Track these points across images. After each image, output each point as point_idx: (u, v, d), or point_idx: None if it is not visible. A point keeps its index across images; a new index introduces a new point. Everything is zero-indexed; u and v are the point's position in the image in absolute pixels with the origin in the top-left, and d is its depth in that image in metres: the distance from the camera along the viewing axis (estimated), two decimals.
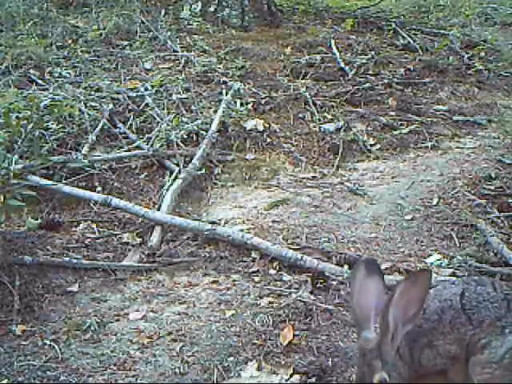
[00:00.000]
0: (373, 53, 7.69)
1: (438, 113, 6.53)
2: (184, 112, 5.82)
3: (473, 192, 4.83)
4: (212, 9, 8.68)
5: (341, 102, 6.46)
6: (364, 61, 7.45)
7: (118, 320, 3.43)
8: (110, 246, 4.15)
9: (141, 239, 4.24)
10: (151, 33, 7.69)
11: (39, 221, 4.28)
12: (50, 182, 4.57)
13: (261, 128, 5.75)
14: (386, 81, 7.01)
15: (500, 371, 2.37)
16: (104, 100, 5.81)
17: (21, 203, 3.82)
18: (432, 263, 3.94)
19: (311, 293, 3.59)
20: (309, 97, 6.36)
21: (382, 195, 4.94)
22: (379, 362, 2.38)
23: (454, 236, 4.28)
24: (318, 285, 3.67)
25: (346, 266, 3.81)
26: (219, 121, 5.60)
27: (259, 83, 6.68)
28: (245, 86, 6.48)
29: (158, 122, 5.52)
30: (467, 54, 8.12)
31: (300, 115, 6.17)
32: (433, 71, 7.52)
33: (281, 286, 3.69)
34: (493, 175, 5.10)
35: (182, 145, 5.28)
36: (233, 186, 5.11)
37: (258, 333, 3.27)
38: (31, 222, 4.22)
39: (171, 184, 4.79)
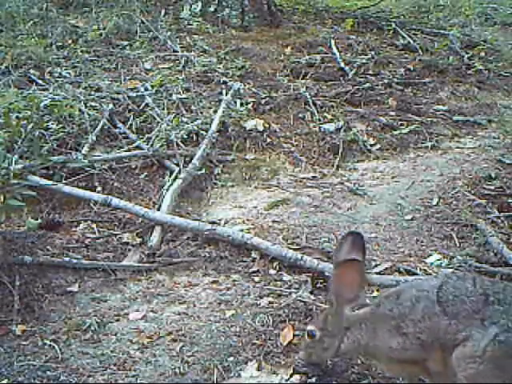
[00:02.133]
0: (373, 53, 7.70)
1: (438, 113, 6.53)
2: (184, 112, 5.82)
3: (473, 192, 4.83)
4: (212, 9, 8.68)
5: (341, 102, 6.46)
6: (364, 61, 7.46)
7: (118, 320, 3.43)
8: (110, 246, 4.15)
9: (141, 239, 4.24)
10: (151, 33, 7.69)
11: (39, 221, 4.28)
12: (50, 182, 4.57)
13: (261, 128, 5.75)
14: (386, 81, 7.01)
15: (484, 365, 2.39)
16: (104, 100, 5.81)
17: (21, 203, 3.82)
18: (432, 263, 3.94)
19: (311, 293, 3.59)
20: (309, 97, 6.37)
21: (382, 195, 4.93)
22: (320, 323, 2.78)
23: (454, 236, 4.28)
24: (318, 285, 3.67)
25: None
26: (219, 121, 5.60)
27: (259, 83, 6.69)
28: (245, 86, 6.48)
29: (158, 122, 5.52)
30: (467, 53, 8.12)
31: (300, 115, 6.17)
32: (433, 71, 7.53)
33: (281, 286, 3.69)
34: (493, 175, 5.10)
35: (182, 145, 5.28)
36: (233, 186, 5.11)
37: (258, 333, 3.27)
38: (31, 222, 4.22)
39: (171, 184, 4.79)
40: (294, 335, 3.22)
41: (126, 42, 7.50)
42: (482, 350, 2.38)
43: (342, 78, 7.04)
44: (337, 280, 2.69)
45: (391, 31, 8.66)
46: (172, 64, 6.99)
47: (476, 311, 2.45)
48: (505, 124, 6.38)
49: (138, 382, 2.97)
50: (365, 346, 2.70)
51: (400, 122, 6.22)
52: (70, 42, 7.33)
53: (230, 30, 8.34)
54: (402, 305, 2.60)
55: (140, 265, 3.96)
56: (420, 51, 8.04)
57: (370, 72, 7.25)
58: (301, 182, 5.18)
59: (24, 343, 3.21)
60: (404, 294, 2.63)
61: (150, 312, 3.50)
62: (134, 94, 6.00)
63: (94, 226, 4.35)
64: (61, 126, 5.21)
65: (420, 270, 3.83)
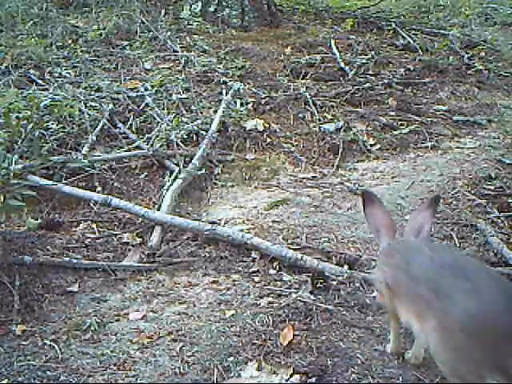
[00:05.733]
0: (373, 53, 7.70)
1: (438, 113, 6.53)
2: (184, 112, 5.82)
3: (473, 192, 4.83)
4: (212, 9, 8.69)
5: (341, 102, 6.46)
6: (364, 61, 7.46)
7: (118, 320, 3.43)
8: (110, 246, 4.15)
9: (141, 239, 4.23)
10: (151, 33, 7.70)
11: (39, 221, 4.28)
12: (50, 182, 4.56)
13: (261, 128, 5.75)
14: (386, 81, 7.01)
15: (462, 336, 2.32)
16: (104, 100, 5.81)
17: (21, 203, 3.82)
18: None
19: (311, 293, 3.59)
20: (309, 97, 6.37)
21: (382, 195, 4.92)
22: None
23: (454, 236, 4.28)
24: (318, 285, 3.66)
25: (346, 266, 3.81)
26: (219, 121, 5.60)
27: (259, 83, 6.69)
28: (245, 86, 6.48)
29: (158, 122, 5.52)
30: (467, 54, 8.12)
31: (300, 115, 6.17)
32: (433, 71, 7.53)
33: (281, 286, 3.69)
34: (493, 175, 5.09)
35: (182, 145, 5.28)
36: (233, 186, 5.11)
37: (258, 333, 3.26)
38: (31, 222, 4.22)
39: (171, 184, 4.79)
40: (293, 335, 3.21)
41: (126, 42, 7.51)
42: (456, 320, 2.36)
43: (342, 78, 7.04)
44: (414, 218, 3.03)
45: (391, 31, 8.67)
46: (172, 64, 7.00)
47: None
48: (505, 124, 6.38)
49: (138, 382, 2.97)
50: None
51: (400, 122, 6.21)
52: (70, 41, 7.33)
53: (230, 30, 8.35)
54: (407, 255, 2.73)
55: (140, 265, 3.96)
56: (420, 51, 8.04)
57: (370, 72, 7.25)
58: (301, 181, 5.18)
59: (24, 343, 3.21)
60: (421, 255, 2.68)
61: (150, 312, 3.49)
62: (134, 94, 6.00)
63: (94, 225, 4.35)
64: (61, 126, 5.21)
65: None
